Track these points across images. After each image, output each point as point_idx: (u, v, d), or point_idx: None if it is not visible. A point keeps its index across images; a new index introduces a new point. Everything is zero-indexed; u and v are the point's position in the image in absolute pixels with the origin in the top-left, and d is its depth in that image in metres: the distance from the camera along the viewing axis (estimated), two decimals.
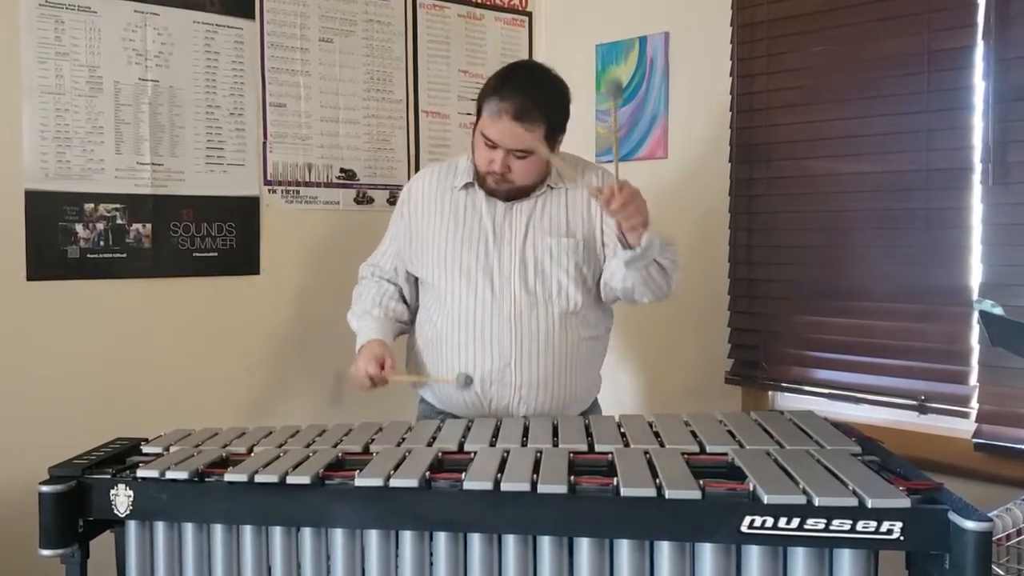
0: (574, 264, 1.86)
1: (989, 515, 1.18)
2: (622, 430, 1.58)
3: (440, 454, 1.48)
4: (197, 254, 2.48)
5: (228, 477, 1.42)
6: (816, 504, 1.19)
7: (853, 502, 1.19)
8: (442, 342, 1.88)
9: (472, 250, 1.86)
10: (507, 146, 1.76)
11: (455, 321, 1.85)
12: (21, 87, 2.20)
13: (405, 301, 2.03)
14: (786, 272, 2.50)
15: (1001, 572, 1.43)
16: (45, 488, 1.45)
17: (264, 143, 2.60)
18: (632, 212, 1.65)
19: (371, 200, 2.79)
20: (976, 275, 2.11)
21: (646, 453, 1.42)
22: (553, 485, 1.29)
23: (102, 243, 2.33)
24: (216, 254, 2.52)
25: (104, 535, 1.55)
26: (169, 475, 1.45)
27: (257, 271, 2.60)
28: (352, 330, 2.00)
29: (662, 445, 1.48)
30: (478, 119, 1.82)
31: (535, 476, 1.32)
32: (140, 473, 1.47)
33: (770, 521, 1.19)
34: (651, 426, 1.60)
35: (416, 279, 2.00)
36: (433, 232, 1.91)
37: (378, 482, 1.36)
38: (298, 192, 2.66)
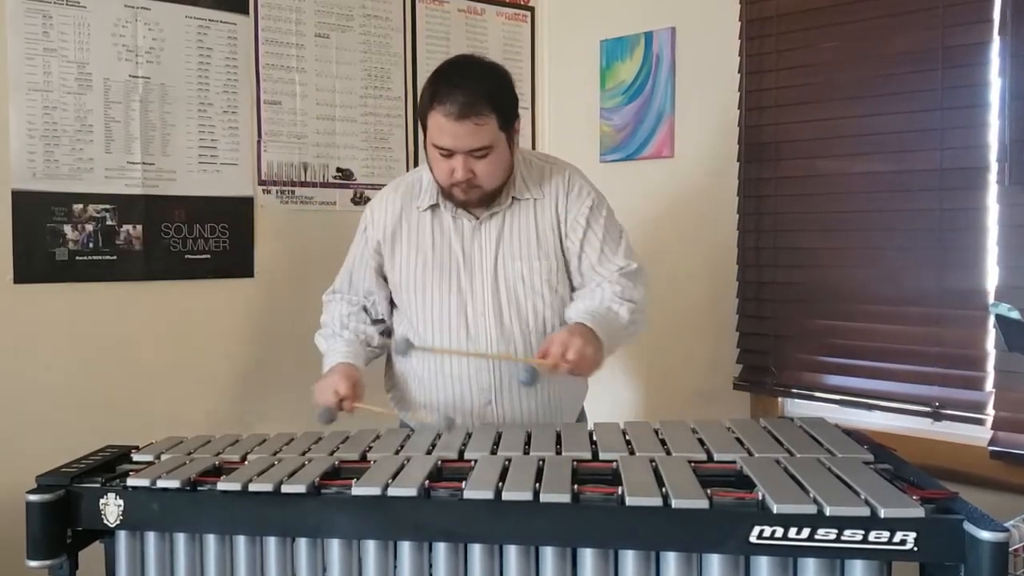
0: (548, 288, 1.82)
1: (1005, 525, 1.16)
2: (627, 437, 1.57)
3: (440, 462, 1.47)
4: (189, 256, 2.46)
5: (221, 486, 1.40)
6: (827, 514, 1.17)
7: (865, 512, 1.17)
8: (421, 377, 1.86)
9: (444, 282, 1.81)
10: (464, 148, 1.67)
11: (431, 359, 1.83)
12: (8, 84, 2.18)
13: (375, 321, 1.95)
14: (796, 275, 2.48)
15: None
16: (33, 497, 1.43)
17: (258, 142, 2.57)
18: (584, 369, 1.66)
19: (369, 200, 2.74)
20: (992, 278, 2.09)
21: (652, 461, 1.41)
22: (556, 494, 1.27)
23: (91, 245, 2.30)
24: (209, 256, 2.49)
25: (94, 545, 1.53)
26: (160, 484, 1.43)
27: (251, 274, 2.57)
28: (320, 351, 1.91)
29: (668, 453, 1.47)
30: (426, 134, 1.73)
31: (537, 485, 1.31)
32: (130, 482, 1.45)
33: (780, 531, 1.18)
34: (657, 433, 1.59)
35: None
36: (403, 261, 1.85)
37: (376, 491, 1.34)
38: (293, 192, 2.64)
